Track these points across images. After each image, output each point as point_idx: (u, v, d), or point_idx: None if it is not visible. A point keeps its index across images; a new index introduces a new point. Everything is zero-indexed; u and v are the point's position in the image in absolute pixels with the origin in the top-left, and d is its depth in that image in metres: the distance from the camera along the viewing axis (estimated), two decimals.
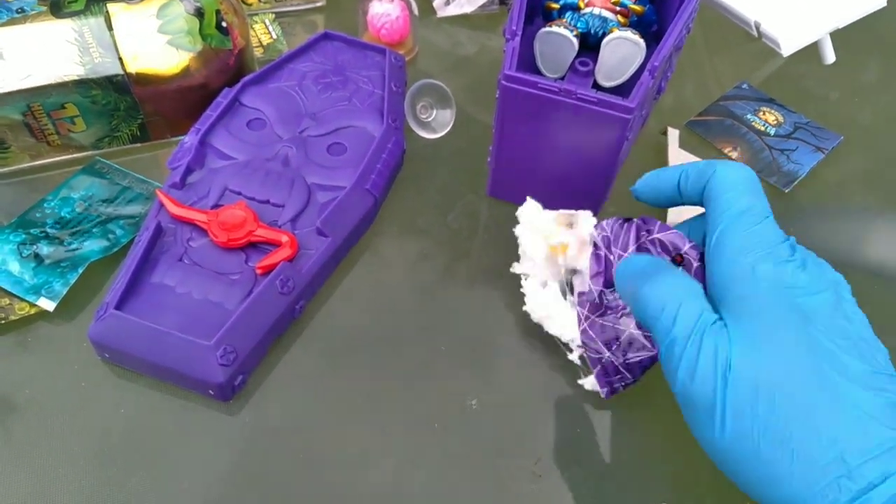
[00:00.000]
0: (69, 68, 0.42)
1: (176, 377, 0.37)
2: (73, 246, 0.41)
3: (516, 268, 0.41)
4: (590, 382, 0.38)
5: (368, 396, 0.39)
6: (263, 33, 0.56)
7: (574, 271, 0.39)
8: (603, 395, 0.37)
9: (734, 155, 0.51)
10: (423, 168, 0.49)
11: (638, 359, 0.36)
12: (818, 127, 0.53)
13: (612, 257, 0.37)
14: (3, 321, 0.39)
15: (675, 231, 0.36)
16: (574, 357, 0.38)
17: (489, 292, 0.43)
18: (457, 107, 0.50)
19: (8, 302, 0.39)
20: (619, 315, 0.36)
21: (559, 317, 0.38)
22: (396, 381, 0.39)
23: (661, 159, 0.50)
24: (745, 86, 0.56)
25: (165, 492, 0.35)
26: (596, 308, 0.37)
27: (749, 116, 0.54)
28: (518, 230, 0.40)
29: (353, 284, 0.43)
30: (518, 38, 0.41)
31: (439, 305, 0.43)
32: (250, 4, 0.57)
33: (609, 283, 0.37)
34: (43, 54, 0.42)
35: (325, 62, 0.50)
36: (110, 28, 0.43)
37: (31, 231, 0.41)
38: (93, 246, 0.41)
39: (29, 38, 0.42)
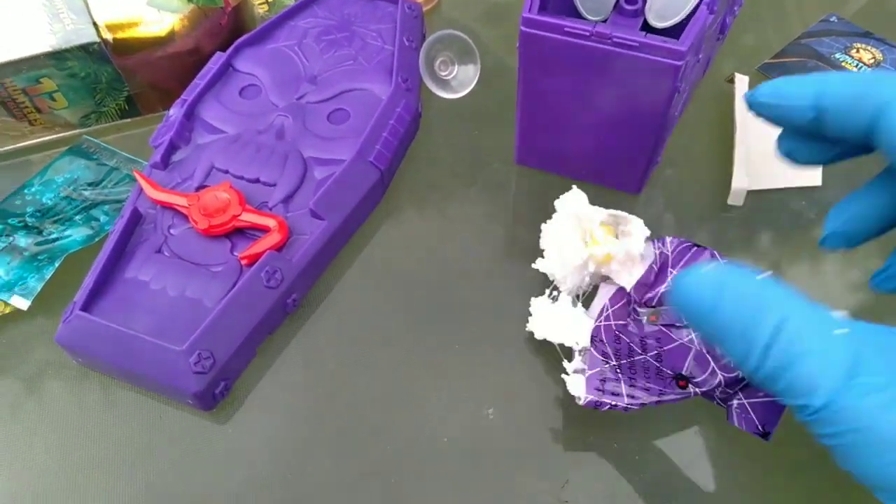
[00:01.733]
0: (40, 39, 0.38)
1: (150, 384, 0.33)
2: (53, 236, 0.37)
3: (539, 265, 0.34)
4: (576, 380, 0.30)
5: (371, 402, 0.34)
6: None
7: (605, 278, 0.32)
8: (580, 402, 0.29)
9: None
10: (441, 135, 0.43)
11: (644, 390, 0.29)
12: None
13: (664, 276, 0.30)
14: None
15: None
16: (571, 366, 0.31)
17: (517, 282, 0.36)
18: (491, 62, 0.43)
19: None
20: (644, 335, 0.30)
21: (571, 326, 0.32)
22: (411, 383, 0.34)
23: (726, 115, 0.42)
24: (833, 18, 0.47)
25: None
26: (621, 316, 0.30)
27: (839, 56, 0.45)
28: (551, 226, 0.33)
29: (358, 273, 0.38)
30: None
31: (459, 297, 0.37)
32: None
33: (647, 303, 0.30)
34: (8, 25, 0.38)
35: (329, 17, 0.44)
36: None
37: (9, 221, 0.38)
38: (74, 235, 0.37)
39: None
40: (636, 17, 0.40)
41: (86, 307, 0.33)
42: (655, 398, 0.28)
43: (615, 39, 0.32)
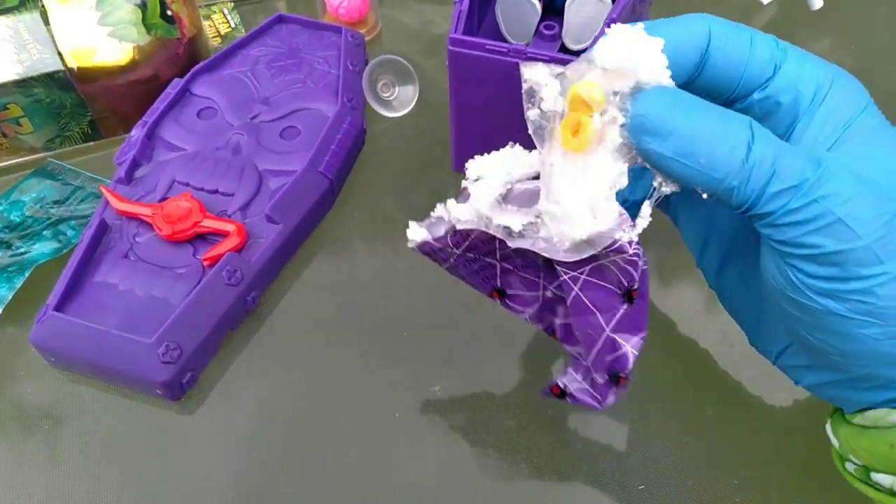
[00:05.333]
0: (7, 67, 0.41)
1: (121, 378, 0.35)
2: (22, 250, 0.40)
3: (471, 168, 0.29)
4: (418, 229, 0.29)
5: (331, 390, 0.37)
6: (222, 22, 0.54)
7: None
8: (412, 244, 0.29)
9: None
10: (386, 148, 0.47)
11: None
12: None
13: None
14: None
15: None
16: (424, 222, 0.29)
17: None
18: (429, 85, 0.48)
19: None
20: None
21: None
22: (360, 374, 0.37)
23: None
24: None
25: (116, 498, 0.33)
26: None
27: None
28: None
29: (313, 273, 0.41)
30: (466, 1, 0.39)
31: (406, 293, 0.40)
32: None
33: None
34: None
35: (279, 46, 0.48)
36: (47, 23, 0.42)
37: None
38: (42, 248, 0.40)
39: None
40: (554, 40, 0.46)
41: (59, 308, 0.35)
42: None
43: (529, 55, 0.37)
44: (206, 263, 0.37)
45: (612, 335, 0.27)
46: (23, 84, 0.41)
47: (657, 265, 0.41)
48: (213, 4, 0.55)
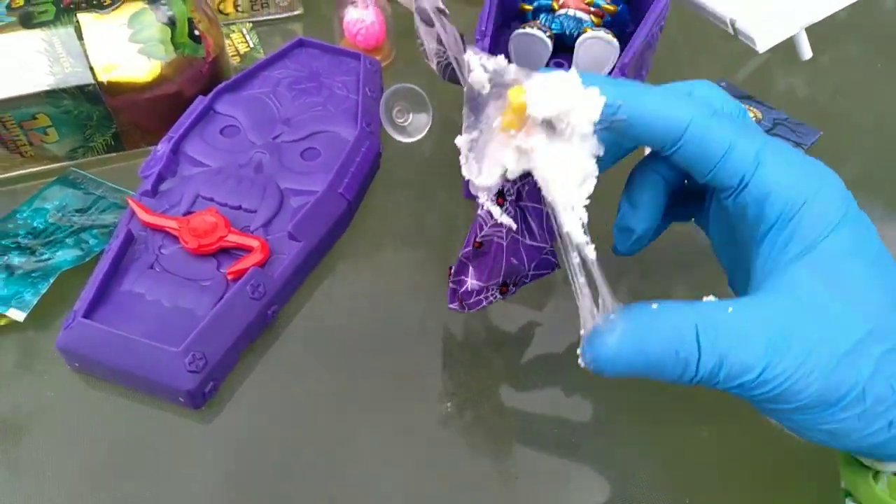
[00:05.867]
0: (39, 79, 0.42)
1: (145, 385, 0.36)
2: (46, 256, 0.41)
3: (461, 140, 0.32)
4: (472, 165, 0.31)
5: (346, 403, 0.38)
6: (240, 42, 0.56)
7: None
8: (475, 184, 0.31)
9: None
10: (400, 172, 0.49)
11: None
12: (797, 122, 0.53)
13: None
14: None
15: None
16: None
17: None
18: (442, 111, 0.50)
19: None
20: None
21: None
22: (375, 387, 0.39)
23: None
24: (723, 84, 0.56)
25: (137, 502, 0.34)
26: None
27: None
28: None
29: (329, 289, 0.43)
30: (488, 39, 0.41)
31: (417, 310, 0.42)
32: (227, 14, 0.57)
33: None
34: (12, 65, 0.42)
35: (299, 69, 0.50)
36: (80, 38, 0.43)
37: (2, 242, 0.41)
38: (65, 256, 0.41)
39: None
40: None
41: (87, 315, 0.36)
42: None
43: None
44: (230, 277, 0.39)
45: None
46: (53, 95, 0.43)
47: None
48: (232, 24, 0.57)
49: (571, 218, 0.27)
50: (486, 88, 0.29)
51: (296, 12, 0.59)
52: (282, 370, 0.39)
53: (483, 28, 0.42)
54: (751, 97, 0.55)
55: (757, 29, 0.51)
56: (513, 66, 0.29)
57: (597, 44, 0.46)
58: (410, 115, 0.50)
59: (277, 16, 0.58)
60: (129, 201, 0.41)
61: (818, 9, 0.51)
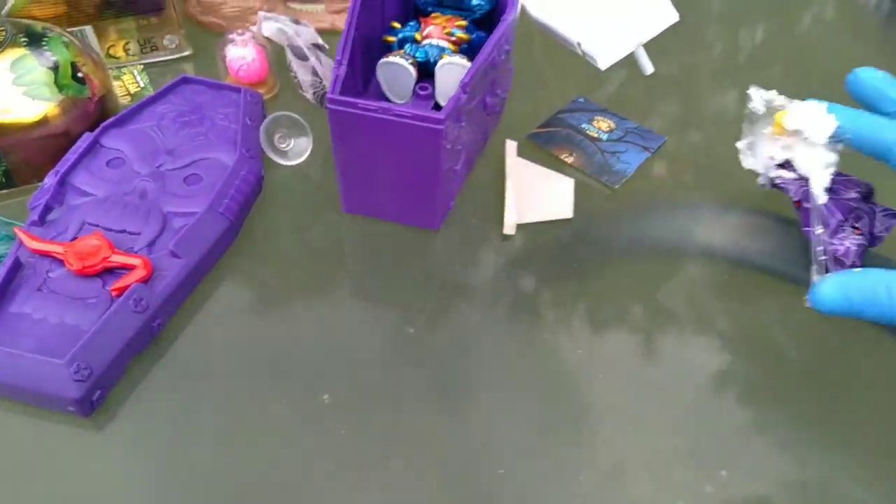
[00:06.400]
0: None
1: (35, 398, 0.39)
2: None
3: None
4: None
5: (230, 412, 0.41)
6: (131, 83, 0.59)
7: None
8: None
9: (570, 160, 0.57)
10: (283, 192, 0.53)
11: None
12: (646, 129, 0.60)
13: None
14: None
15: None
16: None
17: (354, 306, 0.47)
18: (324, 137, 0.54)
19: None
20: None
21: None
22: (257, 395, 0.42)
23: (503, 171, 0.55)
24: (581, 99, 0.62)
25: None
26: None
27: (584, 125, 0.60)
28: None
29: (215, 304, 0.46)
30: (343, 67, 0.46)
31: (302, 323, 0.46)
32: (118, 58, 0.61)
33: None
34: None
35: (183, 103, 0.53)
36: None
37: None
38: None
39: None
40: (428, 99, 0.53)
41: None
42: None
43: (394, 112, 0.44)
44: (114, 294, 0.42)
45: None
46: None
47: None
48: (123, 66, 0.60)
49: (818, 185, 0.44)
50: (762, 111, 0.47)
51: (185, 53, 0.63)
52: (169, 378, 0.42)
53: (339, 57, 0.46)
54: (606, 110, 0.61)
55: (598, 49, 0.57)
56: (782, 97, 0.46)
57: (453, 68, 0.51)
58: (292, 141, 0.54)
59: (168, 57, 0.62)
60: (16, 231, 0.44)
61: (645, 30, 0.58)
